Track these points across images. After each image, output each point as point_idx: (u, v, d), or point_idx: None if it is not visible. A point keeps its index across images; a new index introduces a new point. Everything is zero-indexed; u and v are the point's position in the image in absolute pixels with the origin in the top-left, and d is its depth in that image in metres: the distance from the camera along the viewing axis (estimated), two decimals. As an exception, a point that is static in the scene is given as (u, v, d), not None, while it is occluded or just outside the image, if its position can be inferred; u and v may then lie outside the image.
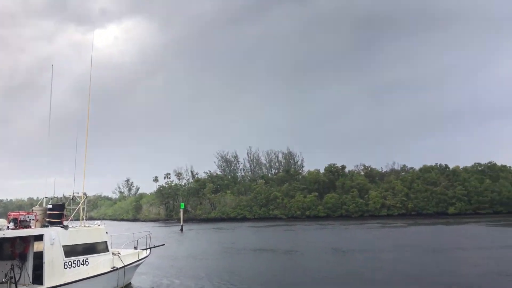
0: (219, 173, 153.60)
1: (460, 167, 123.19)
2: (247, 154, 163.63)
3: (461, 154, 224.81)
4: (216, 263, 29.37)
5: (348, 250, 35.12)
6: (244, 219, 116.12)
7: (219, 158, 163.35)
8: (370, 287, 19.77)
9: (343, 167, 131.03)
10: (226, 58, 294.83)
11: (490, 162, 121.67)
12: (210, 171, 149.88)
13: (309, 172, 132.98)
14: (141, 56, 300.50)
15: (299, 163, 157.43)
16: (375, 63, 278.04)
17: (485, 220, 79.37)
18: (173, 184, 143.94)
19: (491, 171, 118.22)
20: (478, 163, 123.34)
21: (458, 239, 44.29)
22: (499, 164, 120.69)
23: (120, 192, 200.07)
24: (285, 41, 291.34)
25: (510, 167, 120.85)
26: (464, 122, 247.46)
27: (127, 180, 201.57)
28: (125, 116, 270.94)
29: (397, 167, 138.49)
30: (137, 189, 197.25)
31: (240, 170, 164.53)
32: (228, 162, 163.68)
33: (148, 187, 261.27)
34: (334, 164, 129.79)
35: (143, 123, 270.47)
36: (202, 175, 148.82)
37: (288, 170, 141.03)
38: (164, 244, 28.71)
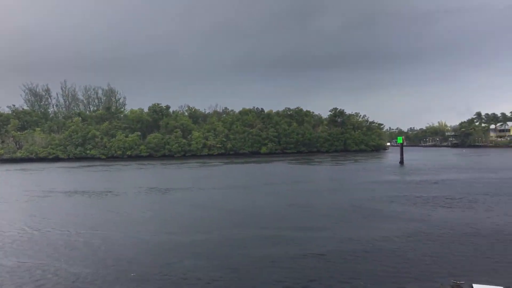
0: (26, 108, 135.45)
1: (273, 111, 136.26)
2: (61, 89, 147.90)
3: (277, 99, 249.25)
4: (17, 208, 26.14)
5: (166, 189, 35.54)
6: (56, 159, 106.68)
7: (27, 91, 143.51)
8: (189, 225, 20.36)
9: (168, 107, 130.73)
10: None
11: (297, 108, 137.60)
12: (14, 106, 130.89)
13: (132, 111, 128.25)
14: None
15: (121, 100, 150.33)
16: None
17: (289, 159, 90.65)
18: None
19: (298, 116, 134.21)
20: (288, 108, 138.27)
21: (265, 176, 49.46)
22: (305, 109, 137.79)
23: None
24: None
25: (313, 112, 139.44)
26: (287, 69, 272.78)
27: None
28: None
29: (219, 109, 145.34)
30: None
31: (53, 106, 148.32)
32: (38, 96, 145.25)
33: None
34: (158, 104, 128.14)
35: None
36: (5, 109, 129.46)
37: (109, 108, 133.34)
38: None
